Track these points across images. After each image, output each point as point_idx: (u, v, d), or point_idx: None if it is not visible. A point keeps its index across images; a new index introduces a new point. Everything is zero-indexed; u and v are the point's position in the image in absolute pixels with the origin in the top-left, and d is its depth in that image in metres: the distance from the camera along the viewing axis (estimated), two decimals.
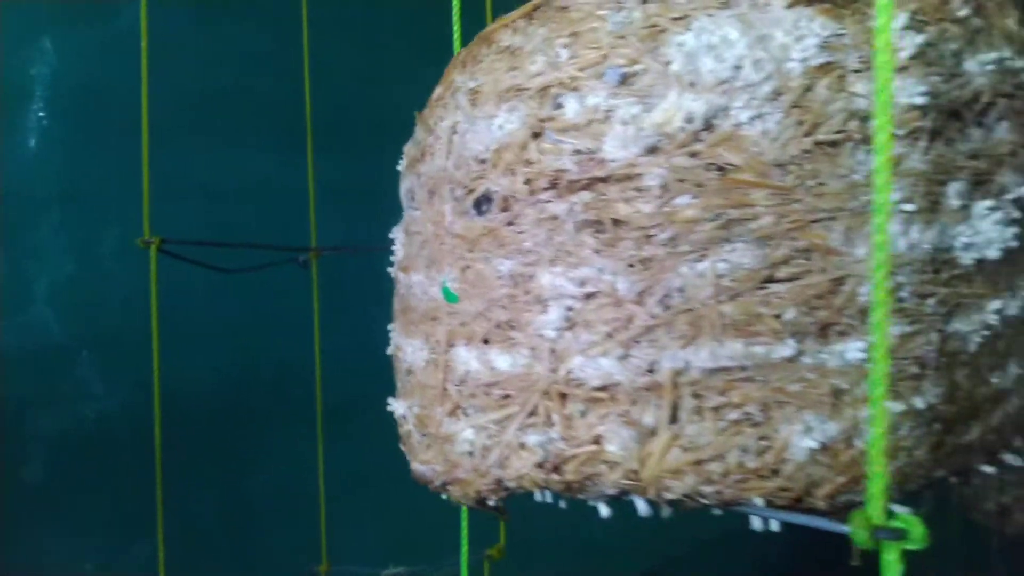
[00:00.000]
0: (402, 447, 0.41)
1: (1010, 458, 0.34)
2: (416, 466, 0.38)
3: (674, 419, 0.29)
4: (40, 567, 1.02)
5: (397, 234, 0.43)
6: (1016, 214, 0.31)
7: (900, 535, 0.25)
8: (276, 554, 1.13)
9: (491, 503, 0.37)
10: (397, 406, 0.41)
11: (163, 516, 0.73)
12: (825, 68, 0.28)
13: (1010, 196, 0.31)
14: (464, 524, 0.56)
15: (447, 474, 0.36)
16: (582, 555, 1.46)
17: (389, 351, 0.43)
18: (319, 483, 0.91)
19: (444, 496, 0.37)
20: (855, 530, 0.25)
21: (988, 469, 0.33)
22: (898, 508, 0.30)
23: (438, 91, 0.39)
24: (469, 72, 0.36)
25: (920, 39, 0.29)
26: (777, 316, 0.28)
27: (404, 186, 0.42)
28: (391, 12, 1.18)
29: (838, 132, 0.28)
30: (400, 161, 0.43)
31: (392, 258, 0.43)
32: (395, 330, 0.42)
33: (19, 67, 0.99)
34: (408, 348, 0.40)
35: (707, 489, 0.29)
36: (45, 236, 1.01)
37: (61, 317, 1.02)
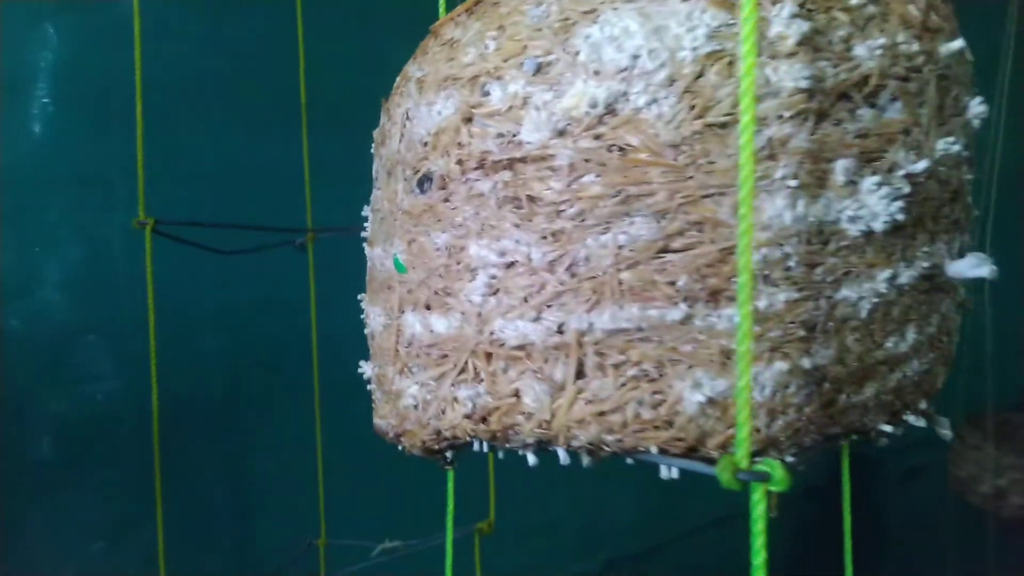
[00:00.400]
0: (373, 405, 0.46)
1: (912, 419, 0.36)
2: (376, 421, 0.43)
3: (580, 375, 0.33)
4: (50, 547, 1.08)
5: (368, 212, 0.47)
6: (906, 189, 0.33)
7: (763, 477, 0.28)
8: (276, 529, 1.19)
9: (447, 455, 0.41)
10: (366, 368, 0.46)
11: (164, 495, 0.78)
12: (714, 56, 0.31)
13: (901, 172, 0.33)
14: (450, 498, 0.59)
15: (398, 427, 0.40)
16: (572, 533, 1.50)
17: (362, 317, 0.48)
18: (317, 461, 0.95)
19: (400, 448, 0.42)
20: (721, 472, 0.28)
21: (888, 428, 0.36)
22: (790, 459, 0.33)
23: (398, 80, 0.43)
24: (418, 63, 0.40)
25: (807, 27, 0.31)
26: (671, 283, 0.31)
27: (373, 167, 0.46)
28: None
29: (727, 115, 0.31)
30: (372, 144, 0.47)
31: (363, 234, 0.47)
32: (365, 299, 0.46)
33: (23, 54, 1.03)
34: (372, 315, 0.44)
35: (609, 438, 0.32)
36: (51, 221, 1.07)
37: (68, 301, 1.08)
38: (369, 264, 0.45)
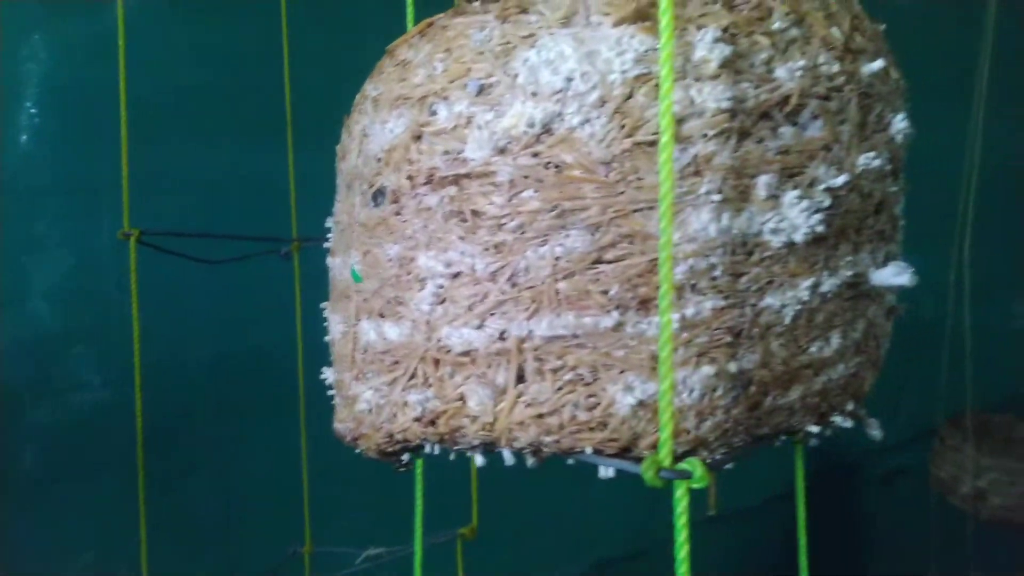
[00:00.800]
0: None
1: (839, 419, 0.38)
2: (336, 425, 0.44)
3: (520, 379, 0.34)
4: (37, 557, 1.08)
5: (331, 223, 0.49)
6: (827, 202, 0.35)
7: (685, 475, 0.30)
8: (262, 537, 1.20)
9: (403, 458, 0.43)
10: (328, 373, 0.47)
11: (150, 503, 0.79)
12: (642, 78, 0.33)
13: (822, 186, 0.35)
14: (419, 502, 0.60)
15: (355, 431, 0.42)
16: (559, 536, 1.51)
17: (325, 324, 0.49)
18: (302, 468, 0.96)
19: (357, 451, 0.43)
20: (645, 471, 0.30)
21: (816, 429, 0.37)
22: (719, 458, 0.35)
23: (357, 98, 0.45)
24: (375, 82, 0.42)
25: (728, 51, 0.33)
26: (604, 292, 0.33)
27: (336, 181, 0.48)
28: (370, 6, 1.23)
29: (654, 133, 0.33)
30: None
31: (325, 245, 0.49)
32: (328, 308, 0.48)
33: (10, 65, 1.04)
34: (333, 322, 0.46)
35: (547, 439, 0.34)
36: (40, 231, 1.08)
37: (56, 310, 1.08)
38: (331, 274, 0.47)
